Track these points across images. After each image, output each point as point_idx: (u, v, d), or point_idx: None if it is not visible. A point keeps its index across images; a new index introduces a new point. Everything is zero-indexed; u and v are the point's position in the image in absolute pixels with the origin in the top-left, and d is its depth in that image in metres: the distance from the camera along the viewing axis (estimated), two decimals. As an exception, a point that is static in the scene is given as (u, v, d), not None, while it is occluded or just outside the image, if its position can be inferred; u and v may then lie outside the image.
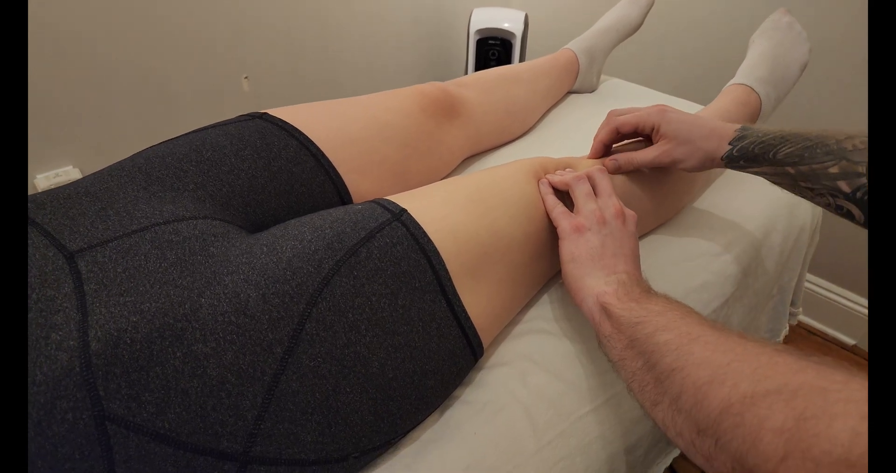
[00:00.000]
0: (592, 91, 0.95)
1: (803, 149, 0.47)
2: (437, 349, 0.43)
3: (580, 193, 0.52)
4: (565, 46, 0.89)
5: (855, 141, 0.44)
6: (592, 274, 0.46)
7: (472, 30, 1.40)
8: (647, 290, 0.44)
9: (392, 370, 0.40)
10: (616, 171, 0.59)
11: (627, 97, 0.93)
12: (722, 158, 0.53)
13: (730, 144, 0.52)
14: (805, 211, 0.74)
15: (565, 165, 0.60)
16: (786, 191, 0.73)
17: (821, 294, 1.22)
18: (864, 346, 1.21)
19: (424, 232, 0.45)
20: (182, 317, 0.36)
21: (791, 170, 0.48)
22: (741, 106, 0.71)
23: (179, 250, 0.40)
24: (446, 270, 0.44)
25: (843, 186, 0.44)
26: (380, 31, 1.41)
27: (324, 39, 1.30)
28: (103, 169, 0.50)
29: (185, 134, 0.54)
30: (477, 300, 0.45)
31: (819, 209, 0.78)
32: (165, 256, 0.39)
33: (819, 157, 0.46)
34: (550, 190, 0.54)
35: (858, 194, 0.43)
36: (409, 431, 0.44)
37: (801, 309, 0.86)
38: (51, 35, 0.91)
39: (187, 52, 1.10)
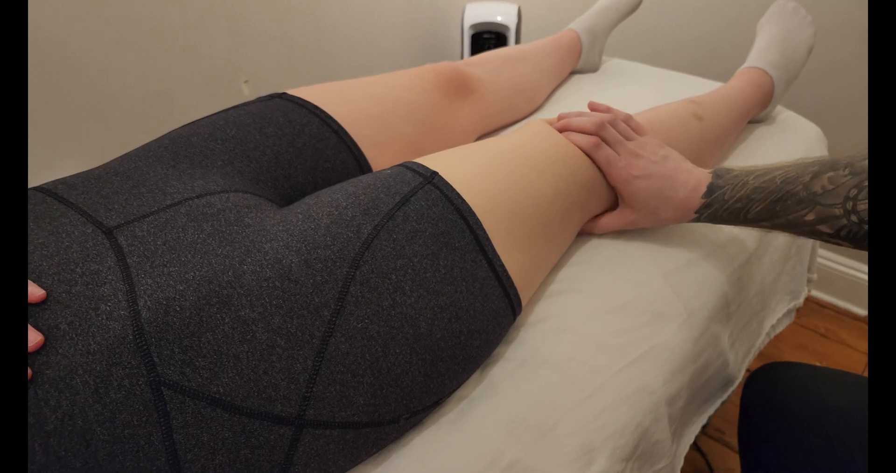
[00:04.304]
0: (595, 71, 0.96)
1: (773, 203, 0.46)
2: (481, 309, 0.43)
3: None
4: (568, 27, 0.90)
5: (822, 180, 0.44)
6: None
7: (467, 24, 1.41)
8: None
9: (440, 331, 0.40)
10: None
11: (631, 76, 0.94)
12: (691, 221, 0.54)
13: (696, 212, 0.52)
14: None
15: None
16: (798, 151, 0.73)
17: (830, 267, 1.23)
18: (875, 315, 1.22)
19: (458, 193, 0.45)
20: (227, 284, 0.36)
21: (767, 224, 0.48)
22: (756, 87, 0.74)
23: (215, 222, 0.40)
24: (483, 229, 0.44)
25: (824, 229, 0.44)
26: (375, 28, 1.42)
27: (320, 39, 1.31)
28: (128, 152, 0.50)
29: (206, 117, 0.55)
30: (514, 259, 0.46)
31: None
32: (202, 227, 0.39)
33: (792, 208, 0.45)
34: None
35: (843, 233, 0.43)
36: (455, 390, 0.44)
37: (815, 275, 0.87)
38: (46, 40, 0.91)
39: (186, 57, 1.10)
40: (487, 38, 1.41)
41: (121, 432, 0.31)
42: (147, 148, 0.50)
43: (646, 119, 0.60)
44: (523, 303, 0.47)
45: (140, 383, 0.32)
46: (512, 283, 0.45)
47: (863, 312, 1.24)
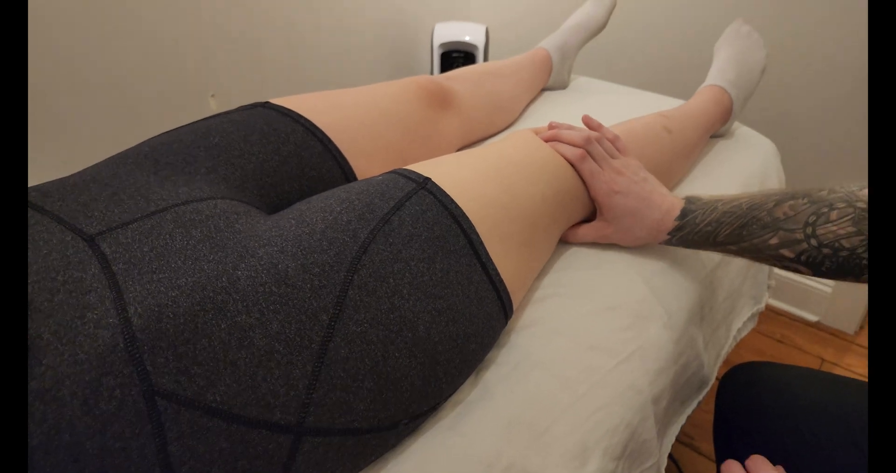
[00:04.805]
0: (565, 88, 0.99)
1: (740, 228, 0.49)
2: (476, 312, 0.43)
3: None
4: (538, 45, 0.93)
5: (784, 208, 0.47)
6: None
7: (436, 43, 1.44)
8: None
9: (437, 334, 0.41)
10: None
11: (599, 93, 0.98)
12: (661, 243, 0.57)
13: (669, 234, 0.55)
14: (772, 185, 0.80)
15: None
16: (756, 163, 0.78)
17: (784, 277, 1.30)
18: (827, 322, 1.29)
19: (451, 198, 0.46)
20: (221, 290, 0.35)
21: (734, 248, 0.51)
22: (717, 104, 0.79)
23: (204, 228, 0.39)
24: (477, 233, 0.45)
25: (786, 253, 0.47)
26: (345, 47, 1.43)
27: (290, 57, 1.31)
28: (104, 160, 0.48)
29: (185, 125, 0.54)
30: (505, 263, 0.46)
31: (783, 182, 0.85)
32: (191, 234, 0.38)
33: (756, 232, 0.48)
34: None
35: (803, 258, 0.46)
36: (451, 395, 0.44)
37: (773, 282, 0.92)
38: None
39: (152, 71, 1.08)
40: (456, 56, 1.44)
41: (112, 445, 0.30)
42: (125, 155, 0.48)
43: (620, 131, 0.63)
44: (514, 306, 0.48)
45: (133, 393, 0.31)
46: (504, 286, 0.46)
47: (814, 318, 1.31)
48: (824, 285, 1.26)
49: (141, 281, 0.34)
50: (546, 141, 0.58)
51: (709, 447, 1.06)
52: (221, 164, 0.49)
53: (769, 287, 0.88)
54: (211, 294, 0.35)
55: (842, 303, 1.25)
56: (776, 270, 1.29)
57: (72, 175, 0.45)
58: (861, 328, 1.27)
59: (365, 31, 1.45)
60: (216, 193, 0.45)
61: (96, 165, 0.47)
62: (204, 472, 0.32)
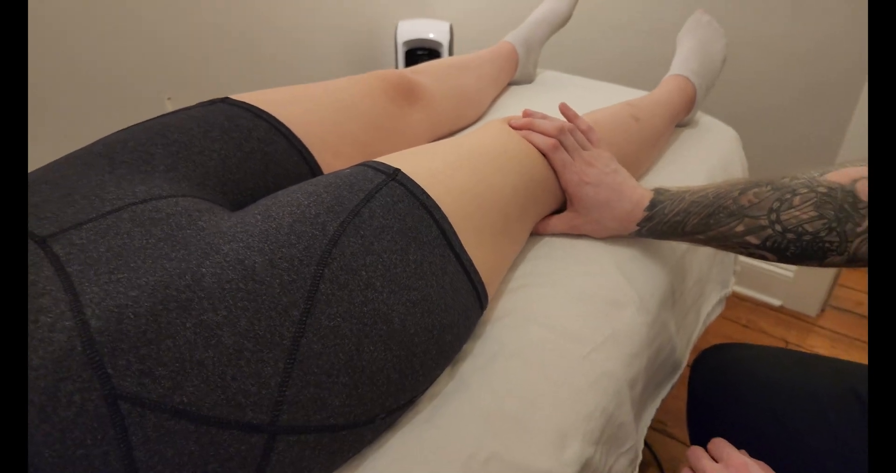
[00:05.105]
0: (531, 82, 1.00)
1: (707, 216, 0.51)
2: (452, 303, 0.43)
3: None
4: (503, 39, 0.94)
5: (749, 196, 0.48)
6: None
7: (400, 41, 1.43)
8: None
9: (413, 326, 0.40)
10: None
11: (564, 86, 0.99)
12: (630, 235, 0.58)
13: (638, 225, 0.56)
14: (736, 171, 0.82)
15: None
16: (720, 150, 0.80)
17: (746, 263, 1.34)
18: (790, 306, 1.34)
19: (422, 189, 0.45)
20: (185, 288, 0.34)
21: (702, 237, 0.52)
22: (681, 92, 0.80)
23: (165, 226, 0.38)
24: (449, 223, 0.45)
25: (752, 239, 0.48)
26: (307, 45, 1.40)
27: (249, 56, 1.28)
28: (53, 161, 0.46)
29: (143, 121, 0.52)
30: (479, 253, 0.46)
31: (746, 171, 0.87)
32: (151, 232, 0.37)
33: (723, 220, 0.49)
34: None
35: (768, 243, 0.47)
36: (428, 388, 0.44)
37: (739, 267, 0.94)
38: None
39: (105, 71, 1.04)
40: (421, 54, 1.43)
41: (73, 453, 0.28)
42: (75, 155, 0.45)
43: (589, 120, 0.63)
44: (489, 297, 0.48)
45: (93, 397, 0.29)
46: (479, 277, 0.46)
47: (777, 302, 1.35)
48: (786, 271, 1.31)
49: (98, 282, 0.33)
50: (519, 129, 0.57)
51: (681, 432, 1.08)
52: (181, 161, 0.47)
53: (735, 272, 0.91)
54: (174, 293, 0.33)
55: (803, 287, 1.29)
56: (741, 256, 1.33)
57: None
58: (822, 310, 1.32)
59: (327, 29, 1.43)
60: (177, 191, 0.43)
61: (45, 166, 0.45)
62: None
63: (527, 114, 0.60)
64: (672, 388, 0.67)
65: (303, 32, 1.37)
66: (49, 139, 0.99)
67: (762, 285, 1.35)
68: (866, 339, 1.24)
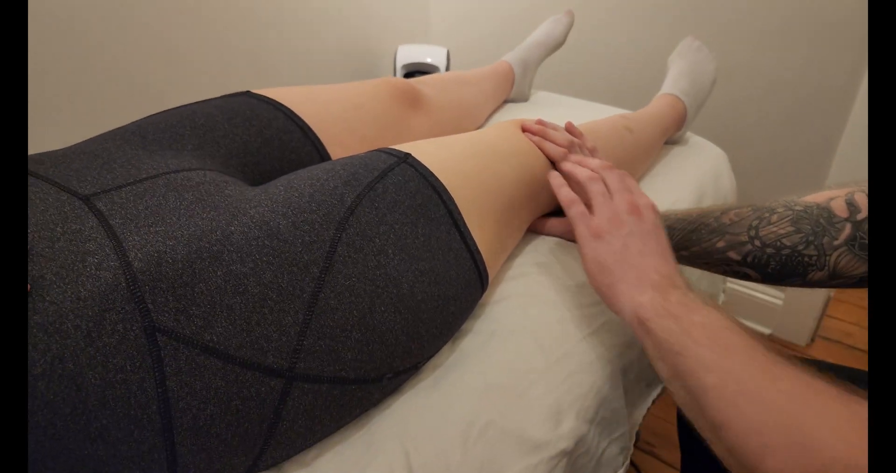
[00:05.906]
0: (526, 100, 1.05)
1: (690, 233, 0.53)
2: (455, 277, 0.46)
3: (596, 193, 0.50)
4: (501, 59, 0.99)
5: (730, 214, 0.51)
6: (624, 279, 0.44)
7: (399, 65, 1.50)
8: (684, 293, 0.42)
9: (420, 293, 0.42)
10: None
11: (558, 105, 1.04)
12: None
13: None
14: (724, 186, 0.87)
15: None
16: (709, 166, 0.84)
17: (737, 290, 1.37)
18: (779, 335, 1.35)
19: (431, 172, 0.48)
20: (216, 242, 0.37)
21: (685, 253, 0.55)
22: (672, 109, 0.85)
23: (196, 192, 0.41)
24: (455, 204, 0.48)
25: (733, 255, 0.50)
26: (310, 68, 1.46)
27: (255, 78, 1.32)
28: (91, 138, 0.49)
29: (168, 109, 0.55)
30: (482, 235, 0.49)
31: (734, 187, 0.91)
32: (183, 196, 0.40)
33: (705, 237, 0.52)
34: (563, 182, 0.53)
35: (749, 259, 0.49)
36: (431, 356, 0.46)
37: (725, 297, 0.97)
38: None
39: (109, 79, 1.07)
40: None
41: (113, 377, 0.30)
42: (112, 133, 0.49)
43: (585, 130, 0.68)
44: (490, 278, 0.50)
45: (134, 328, 0.32)
46: (481, 257, 0.48)
47: (767, 331, 1.35)
48: (776, 298, 1.32)
49: (138, 233, 0.35)
50: (532, 133, 0.60)
51: (669, 454, 1.08)
52: (207, 142, 0.51)
53: (724, 291, 0.94)
54: (206, 245, 0.36)
55: (793, 316, 1.30)
56: (730, 283, 1.34)
57: (59, 149, 0.45)
58: (812, 340, 1.33)
59: (331, 51, 1.49)
60: (204, 166, 0.47)
61: (84, 141, 0.48)
62: (200, 409, 0.32)
63: (541, 123, 0.62)
64: (662, 392, 0.69)
65: (306, 54, 1.43)
66: (49, 139, 1.01)
67: (751, 313, 1.36)
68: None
